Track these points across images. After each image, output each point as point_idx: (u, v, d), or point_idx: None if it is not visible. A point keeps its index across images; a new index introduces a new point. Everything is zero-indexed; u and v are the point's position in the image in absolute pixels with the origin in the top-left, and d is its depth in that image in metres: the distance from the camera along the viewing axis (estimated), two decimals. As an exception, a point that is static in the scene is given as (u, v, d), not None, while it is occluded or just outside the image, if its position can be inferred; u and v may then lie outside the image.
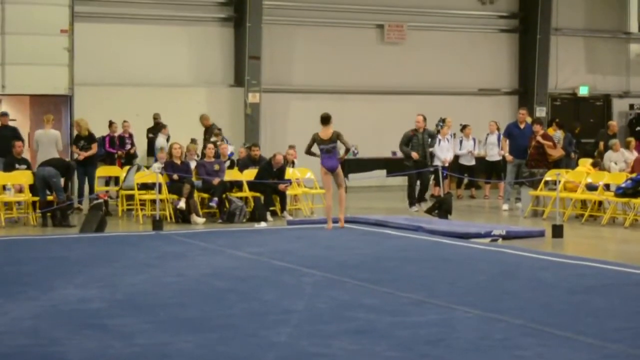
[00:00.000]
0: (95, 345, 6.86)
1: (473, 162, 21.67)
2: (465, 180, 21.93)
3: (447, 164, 20.62)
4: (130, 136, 21.16)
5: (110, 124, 21.14)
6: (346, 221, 15.54)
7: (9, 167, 17.32)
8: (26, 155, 19.03)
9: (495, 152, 21.16)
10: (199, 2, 24.86)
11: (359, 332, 7.04)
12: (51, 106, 22.04)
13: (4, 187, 16.79)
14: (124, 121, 21.22)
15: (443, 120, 21.73)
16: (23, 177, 16.97)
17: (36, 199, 16.48)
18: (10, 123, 20.00)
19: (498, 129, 21.37)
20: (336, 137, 14.52)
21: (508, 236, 13.80)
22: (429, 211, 17.05)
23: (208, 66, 25.14)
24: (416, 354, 6.35)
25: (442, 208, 16.89)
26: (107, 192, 18.77)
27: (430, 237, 13.69)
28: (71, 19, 21.98)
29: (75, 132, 19.39)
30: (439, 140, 20.83)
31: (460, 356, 6.30)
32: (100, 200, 16.97)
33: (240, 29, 24.83)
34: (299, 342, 6.75)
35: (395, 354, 6.33)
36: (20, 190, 17.07)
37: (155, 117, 21.89)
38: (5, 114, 19.73)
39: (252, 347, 6.63)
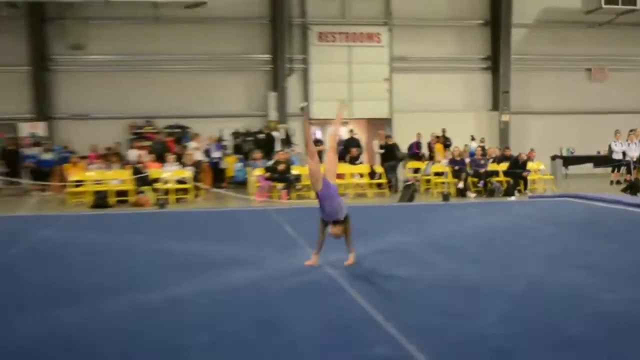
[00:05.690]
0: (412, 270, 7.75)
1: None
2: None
3: (634, 159, 23.05)
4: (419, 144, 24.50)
5: (417, 135, 24.84)
6: (570, 196, 16.37)
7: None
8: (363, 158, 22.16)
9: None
10: (471, 58, 28.02)
11: None
12: (378, 126, 25.95)
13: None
14: (417, 133, 24.60)
15: (633, 131, 24.13)
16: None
17: (374, 181, 19.86)
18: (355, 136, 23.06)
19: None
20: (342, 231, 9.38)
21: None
22: (624, 190, 18.61)
23: (475, 98, 28.05)
24: None
25: (633, 189, 18.49)
26: (415, 177, 21.19)
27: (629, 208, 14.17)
28: (390, 71, 26.72)
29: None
30: (629, 143, 23.59)
31: None
32: (412, 182, 18.84)
33: (496, 74, 28.10)
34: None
35: None
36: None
37: (443, 132, 25.65)
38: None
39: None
